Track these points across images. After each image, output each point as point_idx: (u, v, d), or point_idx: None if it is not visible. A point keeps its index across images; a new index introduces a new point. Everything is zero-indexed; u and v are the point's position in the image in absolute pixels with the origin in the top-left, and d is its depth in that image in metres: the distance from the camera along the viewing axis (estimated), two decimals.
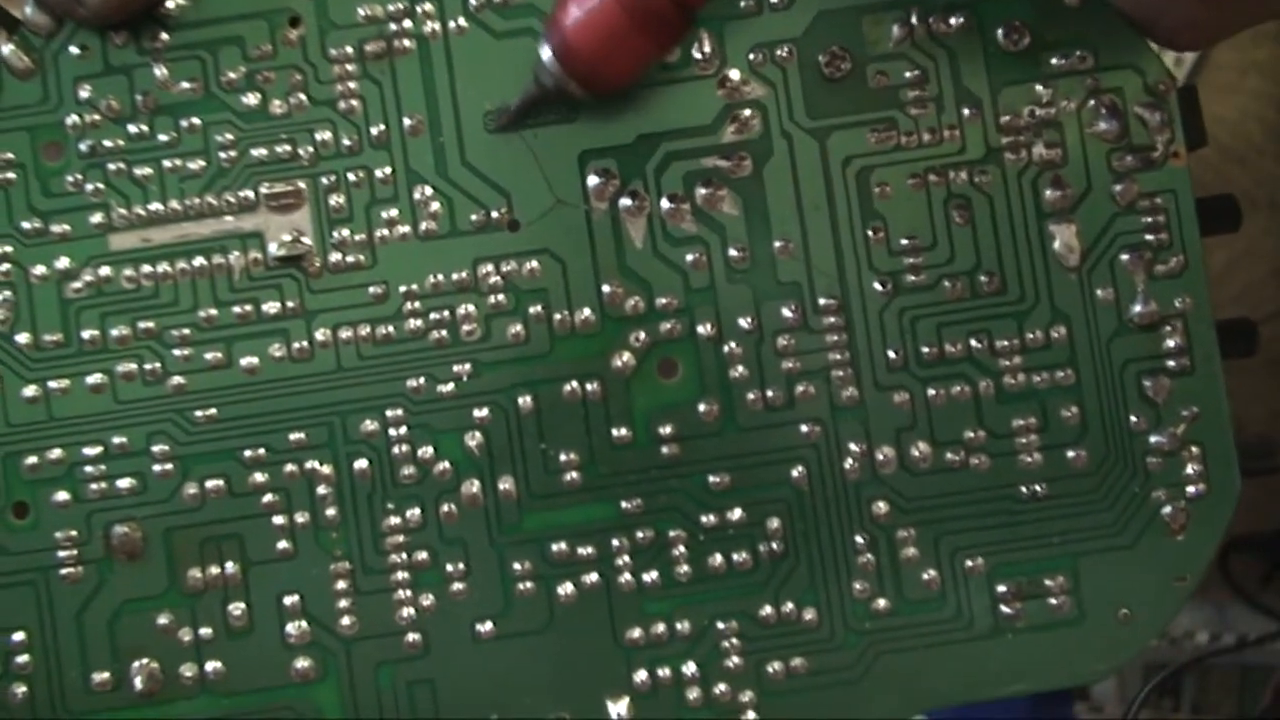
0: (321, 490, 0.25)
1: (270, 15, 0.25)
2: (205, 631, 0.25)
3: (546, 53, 0.24)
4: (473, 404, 0.25)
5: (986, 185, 0.25)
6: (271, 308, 0.25)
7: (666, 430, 0.25)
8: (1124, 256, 0.25)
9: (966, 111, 0.25)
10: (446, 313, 0.25)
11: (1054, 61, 0.25)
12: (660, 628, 0.25)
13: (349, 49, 0.25)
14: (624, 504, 0.25)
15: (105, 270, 0.25)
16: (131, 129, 0.25)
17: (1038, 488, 0.25)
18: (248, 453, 0.25)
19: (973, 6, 0.25)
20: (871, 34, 0.25)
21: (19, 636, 0.25)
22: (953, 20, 0.25)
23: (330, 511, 0.25)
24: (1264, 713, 0.25)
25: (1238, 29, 0.24)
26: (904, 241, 0.25)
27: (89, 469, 0.25)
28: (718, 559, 0.25)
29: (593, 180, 0.25)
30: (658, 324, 0.25)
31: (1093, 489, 0.25)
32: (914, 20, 0.25)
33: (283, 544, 0.25)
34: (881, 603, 0.25)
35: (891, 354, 0.25)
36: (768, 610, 0.25)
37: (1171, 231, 0.25)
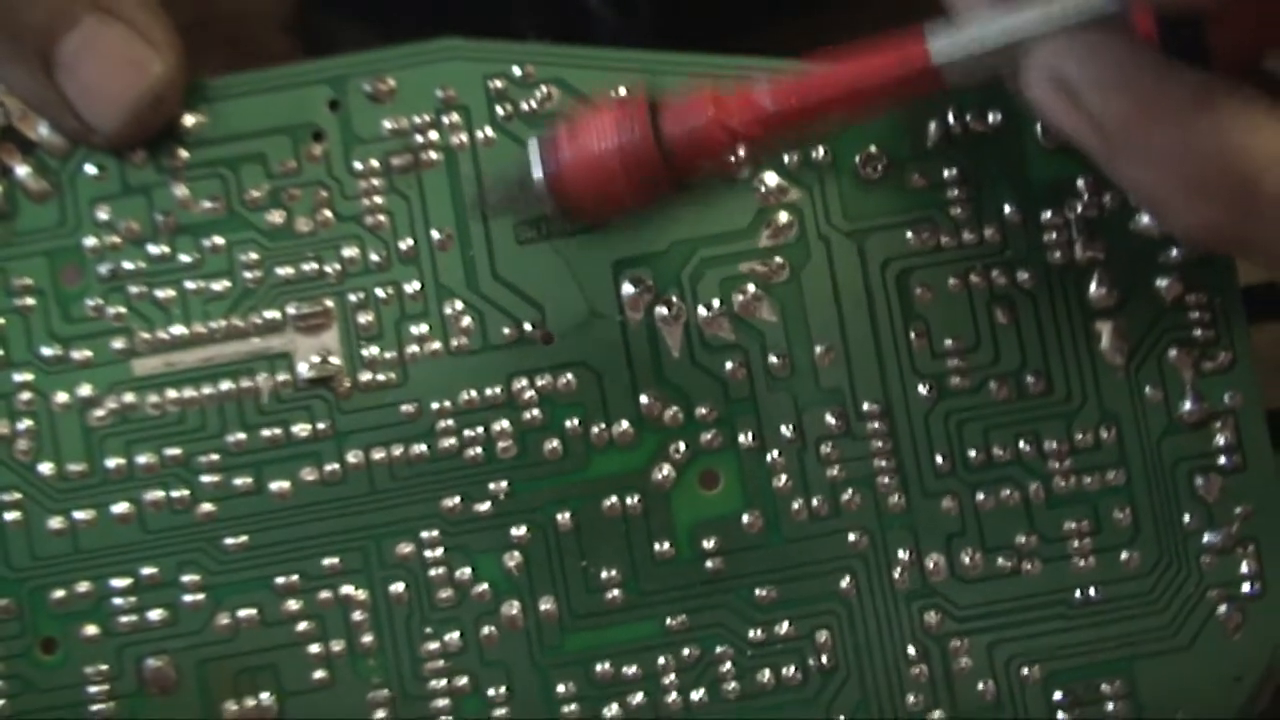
0: (357, 616, 0.24)
1: (293, 130, 0.24)
2: None
3: (538, 173, 0.23)
4: (510, 523, 0.24)
5: (1029, 284, 0.25)
6: (302, 430, 0.24)
7: (710, 544, 0.25)
8: (1172, 353, 0.25)
9: (1007, 209, 0.25)
10: (481, 430, 0.24)
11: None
12: None
13: (374, 163, 0.24)
14: (669, 621, 0.24)
15: (129, 397, 0.24)
16: (152, 250, 0.24)
17: (1091, 591, 0.25)
18: (280, 580, 0.24)
19: (1010, 104, 0.25)
20: (907, 134, 0.25)
21: None
22: (989, 118, 0.25)
23: (367, 638, 0.24)
24: (1264, 713, 0.25)
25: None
26: (947, 343, 0.25)
27: (118, 601, 0.24)
28: (766, 675, 0.25)
29: (627, 289, 0.25)
30: (698, 435, 0.25)
31: (1147, 591, 0.25)
32: (950, 119, 0.25)
33: (319, 673, 0.24)
34: (936, 715, 0.25)
35: (938, 459, 0.25)
36: None
37: (1218, 327, 0.25)
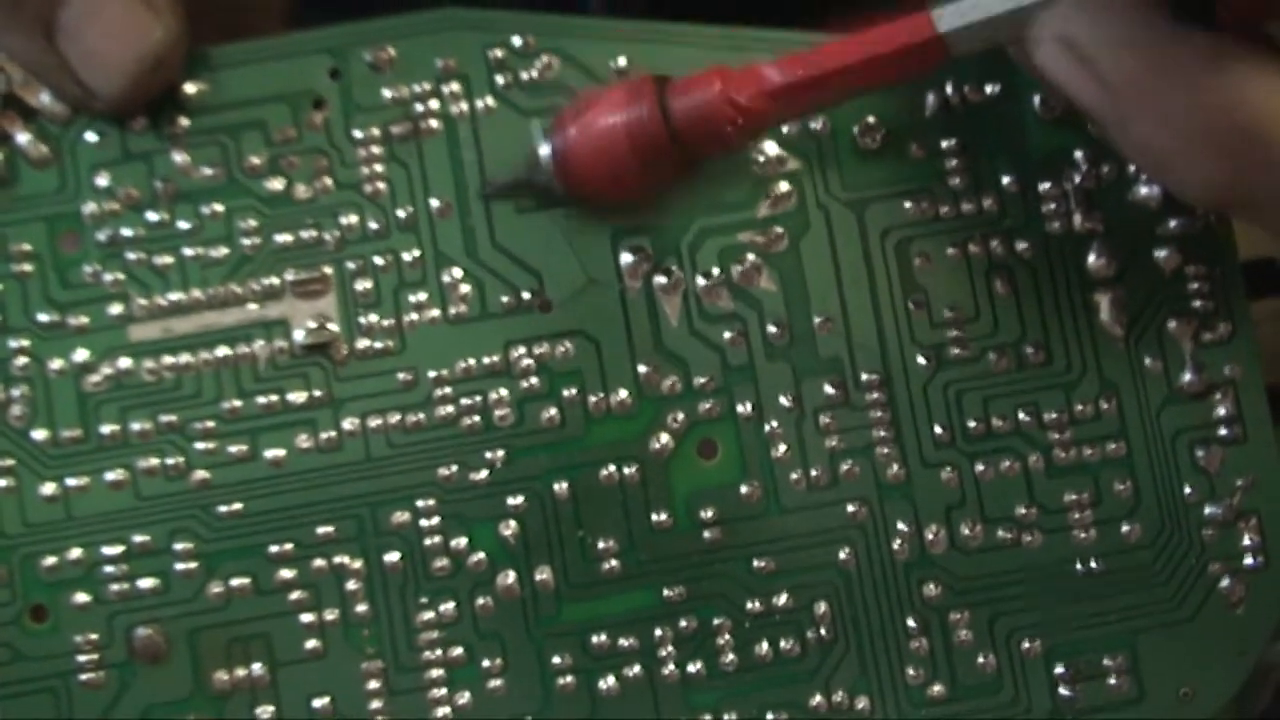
0: (351, 585, 0.24)
1: (293, 98, 0.25)
2: None
3: (545, 151, 0.24)
4: (507, 492, 0.24)
5: (1028, 254, 0.25)
6: (298, 397, 0.24)
7: (708, 514, 0.24)
8: (1171, 324, 0.25)
9: (1005, 179, 0.25)
10: (478, 398, 0.24)
11: (1090, 128, 0.25)
12: None
13: (375, 131, 0.24)
14: (666, 591, 0.24)
15: (125, 363, 0.24)
16: (151, 217, 0.24)
17: (1093, 564, 0.24)
18: (274, 548, 0.24)
19: (1008, 75, 0.25)
20: (906, 104, 0.25)
21: None
22: (988, 89, 0.25)
23: (361, 607, 0.24)
24: (1264, 713, 0.25)
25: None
26: (946, 313, 0.25)
27: (110, 569, 0.24)
28: (764, 647, 0.24)
29: (626, 258, 0.25)
30: (696, 404, 0.24)
31: (1148, 563, 0.25)
32: (949, 89, 0.25)
33: (312, 643, 0.24)
34: (936, 689, 0.24)
35: (937, 429, 0.25)
36: (818, 700, 0.24)
37: (1218, 298, 0.25)
